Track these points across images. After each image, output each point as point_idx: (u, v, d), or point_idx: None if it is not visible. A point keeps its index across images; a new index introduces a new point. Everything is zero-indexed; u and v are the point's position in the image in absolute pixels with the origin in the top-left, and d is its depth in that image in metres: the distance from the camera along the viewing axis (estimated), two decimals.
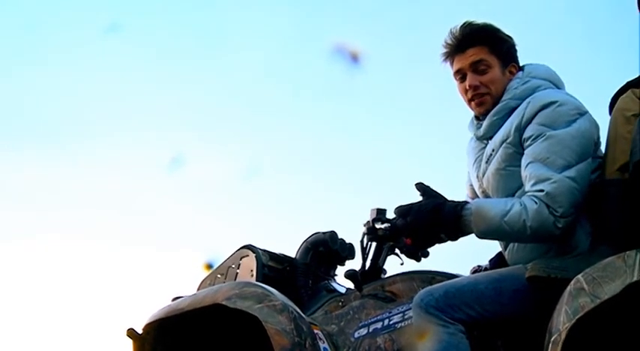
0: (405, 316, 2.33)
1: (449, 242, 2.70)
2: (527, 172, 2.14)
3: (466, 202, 2.17)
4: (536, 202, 2.07)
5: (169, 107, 5.21)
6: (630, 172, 2.05)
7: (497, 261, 2.46)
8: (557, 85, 2.34)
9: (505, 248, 2.32)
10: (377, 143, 5.28)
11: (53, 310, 5.13)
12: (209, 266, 2.74)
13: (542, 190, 2.07)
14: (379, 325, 2.38)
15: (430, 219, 2.15)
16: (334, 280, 2.82)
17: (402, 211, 2.21)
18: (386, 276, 2.61)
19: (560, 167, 2.08)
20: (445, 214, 2.14)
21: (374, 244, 2.56)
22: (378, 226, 2.41)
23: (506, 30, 2.41)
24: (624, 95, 2.22)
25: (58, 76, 5.53)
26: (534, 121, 2.17)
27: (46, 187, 5.56)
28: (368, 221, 2.46)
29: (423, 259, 2.74)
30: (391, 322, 2.36)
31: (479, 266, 2.58)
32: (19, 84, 5.59)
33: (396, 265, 2.68)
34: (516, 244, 2.26)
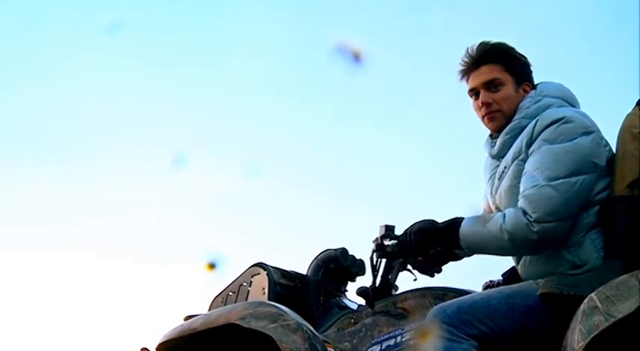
0: None
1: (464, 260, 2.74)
2: (521, 184, 2.20)
3: (462, 218, 2.26)
4: (515, 208, 2.15)
5: (170, 113, 5.23)
6: (638, 189, 2.07)
7: (510, 275, 2.47)
8: (571, 102, 2.36)
9: (517, 262, 2.34)
10: (386, 154, 5.29)
11: (63, 330, 5.13)
12: (212, 266, 2.73)
13: (523, 196, 2.14)
14: (392, 342, 2.39)
15: (429, 233, 2.29)
16: (345, 296, 2.83)
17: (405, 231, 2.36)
18: (398, 292, 2.63)
19: (546, 177, 2.13)
20: (447, 224, 2.26)
21: (384, 260, 2.57)
22: (386, 242, 2.44)
23: (520, 48, 2.45)
24: (631, 112, 2.24)
25: (57, 83, 5.54)
26: (539, 138, 2.21)
27: (49, 201, 5.56)
28: (377, 238, 2.49)
29: (436, 275, 2.77)
30: (404, 339, 2.37)
31: (491, 281, 2.59)
32: (17, 93, 5.60)
33: (408, 281, 2.70)
34: (528, 258, 2.27)
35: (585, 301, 1.83)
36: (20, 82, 5.55)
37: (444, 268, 2.79)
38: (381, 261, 2.54)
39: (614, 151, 2.24)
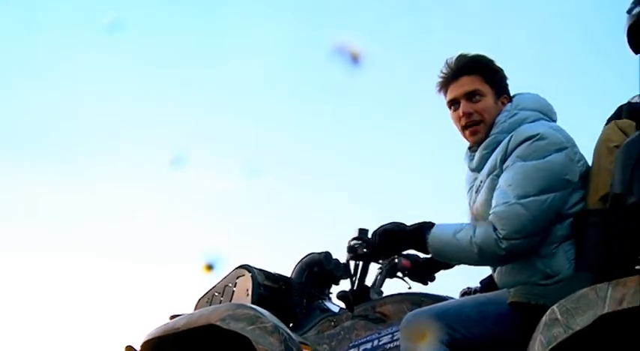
0: (394, 338, 2.40)
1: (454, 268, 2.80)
2: (493, 199, 2.25)
3: (432, 223, 2.31)
4: (486, 223, 2.20)
5: (170, 113, 5.25)
6: (609, 203, 2.11)
7: (488, 283, 2.52)
8: (548, 114, 2.38)
9: (494, 270, 2.39)
10: (386, 154, 5.30)
11: (54, 326, 5.17)
12: (210, 267, 2.81)
13: (493, 212, 2.19)
14: (369, 345, 2.45)
15: (395, 235, 2.33)
16: (329, 299, 2.89)
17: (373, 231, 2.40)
18: (377, 297, 2.69)
19: (516, 195, 2.18)
20: (413, 228, 2.31)
21: (361, 263, 2.62)
22: (356, 244, 2.50)
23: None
24: (607, 126, 2.28)
25: (57, 83, 5.56)
26: (513, 154, 2.25)
27: (49, 201, 5.58)
28: (349, 241, 2.55)
29: (429, 283, 2.85)
30: (380, 343, 2.43)
31: (468, 288, 2.64)
32: (18, 93, 5.60)
33: (401, 287, 2.79)
34: (504, 267, 2.31)
35: (547, 312, 1.88)
36: (20, 82, 5.59)
37: (437, 275, 2.87)
38: (358, 264, 2.58)
39: (591, 164, 2.28)
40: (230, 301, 2.72)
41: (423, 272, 2.90)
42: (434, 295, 2.57)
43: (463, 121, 2.41)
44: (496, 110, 2.39)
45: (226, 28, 5.45)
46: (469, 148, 2.48)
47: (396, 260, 2.97)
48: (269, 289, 2.77)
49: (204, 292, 2.84)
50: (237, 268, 2.80)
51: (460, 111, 2.41)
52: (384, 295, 2.88)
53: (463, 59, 2.44)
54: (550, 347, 1.81)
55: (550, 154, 2.21)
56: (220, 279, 2.83)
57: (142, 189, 5.23)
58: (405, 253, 2.88)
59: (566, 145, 2.24)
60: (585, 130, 2.55)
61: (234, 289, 2.75)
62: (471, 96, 2.40)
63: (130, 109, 5.37)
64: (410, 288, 2.88)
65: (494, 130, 2.36)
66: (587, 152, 2.30)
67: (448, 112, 2.47)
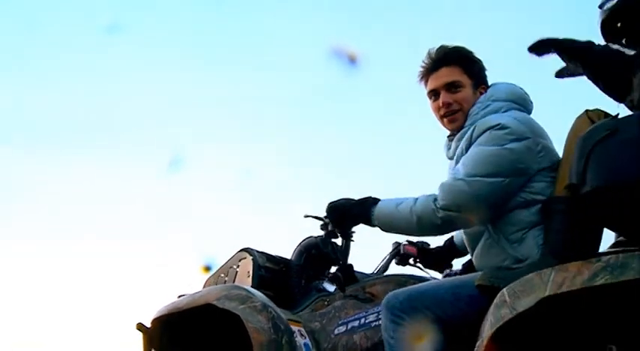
0: (379, 316, 2.56)
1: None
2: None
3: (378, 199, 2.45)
4: (429, 194, 2.34)
5: (170, 113, 5.27)
6: (568, 192, 2.22)
7: (470, 265, 2.67)
8: (522, 104, 2.48)
9: (472, 254, 2.51)
10: (386, 154, 5.32)
11: (74, 303, 5.34)
12: (207, 269, 3.03)
13: (440, 185, 2.34)
14: (356, 323, 2.62)
15: (343, 210, 2.50)
16: (327, 280, 3.06)
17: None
18: (368, 278, 2.86)
19: (465, 173, 2.31)
20: (357, 202, 2.47)
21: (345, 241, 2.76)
22: (325, 221, 2.67)
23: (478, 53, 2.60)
24: (579, 116, 2.37)
25: (57, 83, 5.60)
26: (476, 142, 2.37)
27: (53, 189, 5.68)
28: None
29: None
30: (367, 321, 2.60)
31: (450, 270, 2.79)
32: (17, 93, 5.59)
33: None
34: (480, 251, 2.44)
35: (498, 294, 2.00)
36: (20, 82, 5.60)
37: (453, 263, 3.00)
38: (344, 242, 2.73)
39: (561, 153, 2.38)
40: (233, 282, 2.91)
41: (437, 260, 3.00)
42: (418, 276, 2.74)
43: (442, 111, 2.53)
44: (474, 100, 2.51)
45: (226, 29, 5.48)
46: (447, 136, 2.60)
47: (400, 247, 3.10)
48: (270, 270, 2.94)
49: (212, 273, 3.06)
50: (239, 251, 3.00)
51: (440, 101, 2.53)
52: None
53: (443, 50, 2.55)
54: (497, 327, 1.94)
55: (507, 143, 2.30)
56: (226, 261, 3.04)
57: (142, 188, 5.26)
58: (412, 240, 3.04)
59: (527, 136, 2.32)
60: None
61: (238, 270, 2.95)
62: (451, 87, 2.51)
63: (130, 109, 5.39)
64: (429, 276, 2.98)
65: (468, 122, 2.47)
66: None
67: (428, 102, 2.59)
